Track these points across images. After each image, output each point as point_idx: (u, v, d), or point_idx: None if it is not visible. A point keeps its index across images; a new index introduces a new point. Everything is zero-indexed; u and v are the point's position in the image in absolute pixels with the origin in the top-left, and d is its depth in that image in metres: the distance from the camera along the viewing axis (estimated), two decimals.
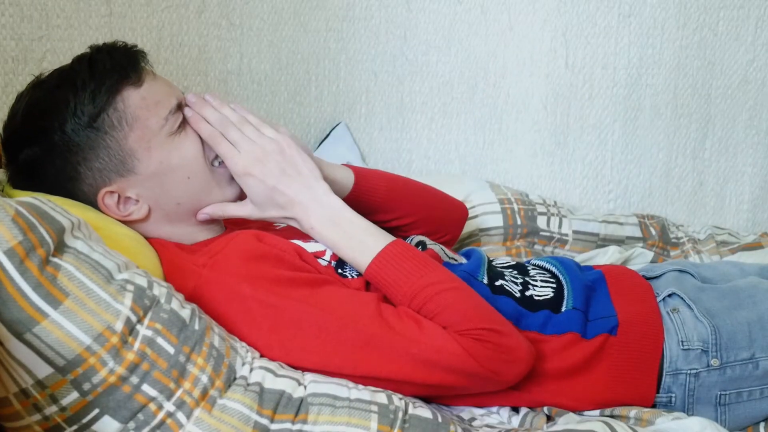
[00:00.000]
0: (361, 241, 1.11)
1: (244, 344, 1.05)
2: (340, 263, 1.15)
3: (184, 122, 1.16)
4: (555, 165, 1.95)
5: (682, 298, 1.20)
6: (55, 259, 0.92)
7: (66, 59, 1.63)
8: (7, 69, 1.59)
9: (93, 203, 1.13)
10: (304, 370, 1.06)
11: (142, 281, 0.98)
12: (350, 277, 1.13)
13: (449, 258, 1.24)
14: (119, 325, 0.92)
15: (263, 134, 1.15)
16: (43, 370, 0.89)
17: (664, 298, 1.21)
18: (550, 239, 1.69)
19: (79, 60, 1.13)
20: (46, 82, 1.13)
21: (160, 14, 1.69)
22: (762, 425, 1.15)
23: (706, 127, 1.98)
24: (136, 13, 1.67)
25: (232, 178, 1.18)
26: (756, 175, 2.01)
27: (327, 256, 1.15)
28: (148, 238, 1.16)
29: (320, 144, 1.85)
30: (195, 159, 1.15)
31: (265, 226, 1.24)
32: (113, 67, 1.11)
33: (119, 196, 1.13)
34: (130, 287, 0.96)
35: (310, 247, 1.15)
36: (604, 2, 1.90)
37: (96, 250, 0.97)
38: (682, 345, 1.15)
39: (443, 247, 1.26)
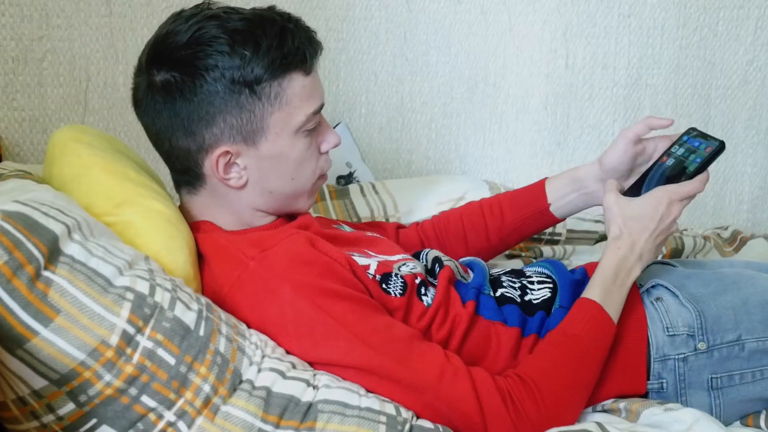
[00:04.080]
0: (611, 293, 1.14)
1: (254, 341, 1.04)
2: (384, 278, 1.14)
3: (318, 127, 1.17)
4: (555, 165, 1.95)
5: (666, 287, 1.21)
6: (47, 273, 0.89)
7: (66, 59, 1.64)
8: (8, 69, 1.59)
9: (200, 151, 1.11)
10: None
11: (144, 287, 0.95)
12: (393, 295, 1.12)
13: (461, 276, 1.24)
14: (114, 339, 0.90)
15: (677, 226, 1.21)
16: (38, 382, 0.88)
17: (647, 289, 1.22)
18: (539, 240, 1.69)
19: (270, 21, 1.10)
20: (227, 21, 1.09)
21: (160, 14, 1.69)
22: (762, 416, 1.16)
23: (706, 127, 1.98)
24: (136, 13, 1.67)
25: (317, 191, 1.21)
26: (756, 175, 2.01)
27: (372, 270, 1.14)
28: (201, 221, 1.17)
29: None
30: (307, 166, 1.16)
31: (319, 231, 1.21)
32: (299, 46, 1.10)
33: (230, 159, 1.12)
34: (129, 295, 0.93)
35: (359, 260, 1.14)
36: (604, 2, 1.90)
37: (95, 255, 0.94)
38: (668, 331, 1.16)
39: (457, 265, 1.26)
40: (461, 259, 1.32)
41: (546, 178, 1.36)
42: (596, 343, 1.10)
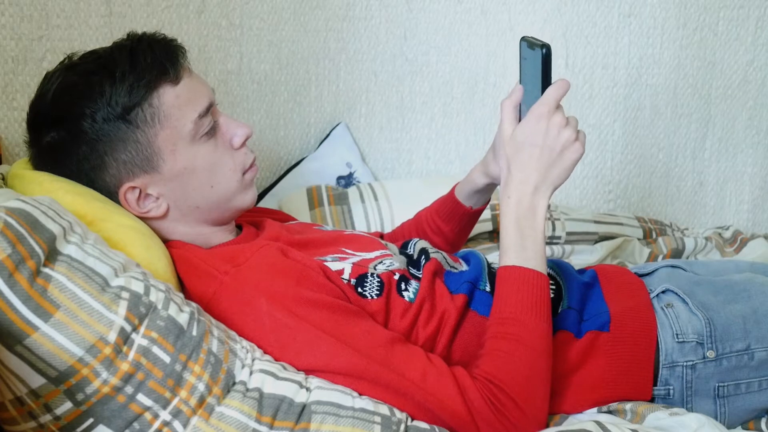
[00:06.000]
0: (524, 247, 1.10)
1: (244, 345, 1.04)
2: (360, 281, 1.12)
3: (215, 128, 1.15)
4: None
5: (676, 293, 1.21)
6: (47, 270, 0.90)
7: None
8: (7, 69, 1.59)
9: (113, 194, 1.12)
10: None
11: (139, 287, 0.96)
12: (369, 298, 1.11)
13: (450, 267, 1.23)
14: (112, 336, 0.91)
15: (571, 134, 1.10)
16: (36, 381, 0.88)
17: (658, 294, 1.22)
18: None
19: (119, 49, 1.11)
20: (81, 66, 1.11)
21: (160, 14, 1.69)
22: (763, 420, 1.16)
23: (706, 127, 1.98)
24: (136, 13, 1.67)
25: (252, 182, 1.18)
26: (756, 175, 2.01)
27: (346, 275, 1.12)
28: (166, 241, 1.15)
29: (320, 144, 1.86)
30: (223, 168, 1.14)
31: (289, 240, 1.20)
32: (154, 61, 1.09)
33: (140, 192, 1.12)
34: (125, 294, 0.94)
35: (332, 265, 1.13)
36: (604, 2, 1.90)
37: (91, 255, 0.95)
38: (677, 338, 1.15)
39: (445, 255, 1.25)
40: (457, 253, 1.32)
41: (453, 188, 1.35)
42: (535, 309, 1.06)
